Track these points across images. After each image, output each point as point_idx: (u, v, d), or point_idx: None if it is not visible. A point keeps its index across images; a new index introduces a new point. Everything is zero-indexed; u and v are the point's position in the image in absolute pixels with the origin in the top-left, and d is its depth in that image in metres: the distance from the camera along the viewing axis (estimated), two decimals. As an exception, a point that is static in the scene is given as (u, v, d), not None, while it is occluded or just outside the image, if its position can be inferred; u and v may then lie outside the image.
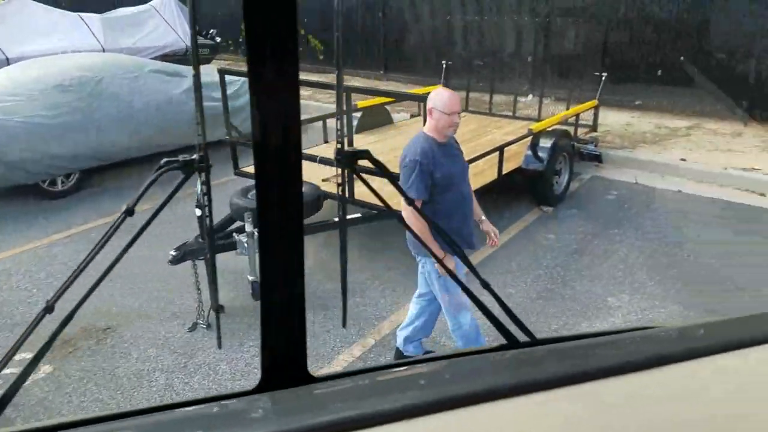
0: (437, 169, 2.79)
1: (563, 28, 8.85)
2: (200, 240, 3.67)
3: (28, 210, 5.52)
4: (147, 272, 4.16)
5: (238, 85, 6.78)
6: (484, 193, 4.68)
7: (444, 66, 7.57)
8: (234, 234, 3.81)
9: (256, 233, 3.72)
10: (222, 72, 4.83)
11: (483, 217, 3.10)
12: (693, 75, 7.95)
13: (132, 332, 3.62)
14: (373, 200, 4.32)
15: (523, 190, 5.40)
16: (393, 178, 1.01)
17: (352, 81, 11.25)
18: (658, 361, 0.62)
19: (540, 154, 5.15)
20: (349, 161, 0.93)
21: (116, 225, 0.81)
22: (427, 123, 2.89)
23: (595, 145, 6.19)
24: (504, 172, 4.92)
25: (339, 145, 0.92)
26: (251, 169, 5.09)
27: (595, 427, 0.56)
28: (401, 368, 0.68)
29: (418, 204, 2.80)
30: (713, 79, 7.91)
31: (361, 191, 4.51)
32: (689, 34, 7.97)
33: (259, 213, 0.61)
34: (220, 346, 3.59)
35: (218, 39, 11.17)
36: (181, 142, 5.87)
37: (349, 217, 4.23)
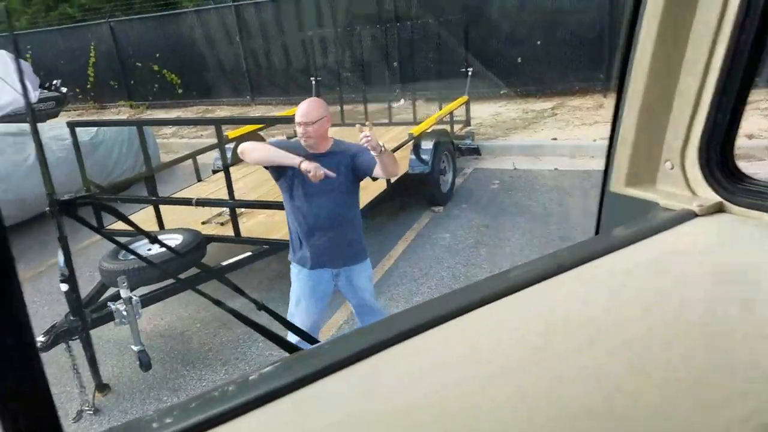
0: (281, 168, 2.71)
1: (424, 30, 9.08)
2: (71, 318, 3.23)
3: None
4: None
5: (91, 135, 6.23)
6: (375, 205, 4.60)
7: (313, 82, 7.45)
8: (109, 303, 3.39)
9: (135, 298, 3.34)
10: (72, 125, 4.37)
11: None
12: (551, 58, 8.48)
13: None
14: (264, 234, 4.09)
15: (412, 194, 5.39)
16: (125, 217, 1.01)
17: (219, 111, 10.84)
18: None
19: (423, 156, 5.16)
20: (63, 209, 0.88)
21: None
22: None
23: (472, 139, 6.35)
24: (392, 180, 4.87)
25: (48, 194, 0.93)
26: (119, 226, 4.63)
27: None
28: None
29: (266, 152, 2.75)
30: (567, 60, 8.49)
31: (248, 227, 4.24)
32: (543, 21, 8.47)
33: None
34: None
35: (64, 89, 10.24)
36: (35, 212, 5.26)
37: (237, 258, 3.95)
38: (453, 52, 8.79)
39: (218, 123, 4.28)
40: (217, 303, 1.09)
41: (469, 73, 6.77)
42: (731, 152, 0.89)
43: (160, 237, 3.99)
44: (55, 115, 9.49)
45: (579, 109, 7.97)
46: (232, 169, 5.63)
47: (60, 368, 3.47)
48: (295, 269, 2.91)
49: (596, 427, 0.52)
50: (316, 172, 2.57)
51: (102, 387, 3.33)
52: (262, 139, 6.38)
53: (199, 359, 3.55)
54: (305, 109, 2.66)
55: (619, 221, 0.95)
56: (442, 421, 0.53)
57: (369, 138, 2.44)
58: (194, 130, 9.06)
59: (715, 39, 0.81)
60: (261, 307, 1.18)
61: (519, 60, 8.78)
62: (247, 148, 2.74)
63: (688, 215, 0.86)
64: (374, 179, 2.94)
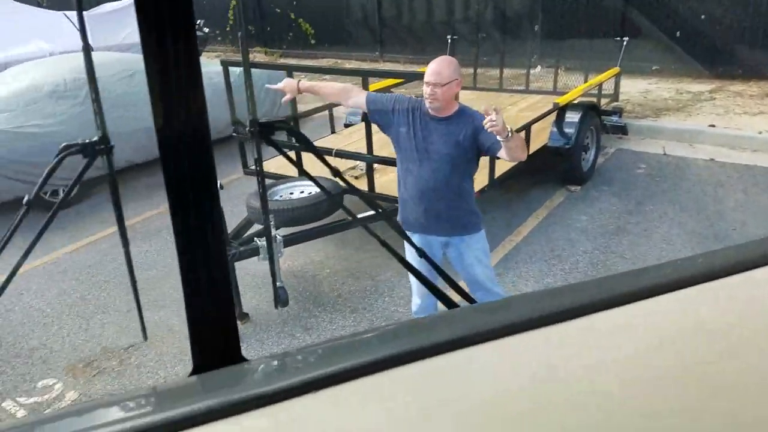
0: (390, 128, 2.67)
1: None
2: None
3: (30, 224, 5.25)
4: (166, 284, 3.93)
5: (234, 77, 6.48)
6: (507, 177, 4.42)
7: (449, 41, 7.22)
8: (255, 239, 3.57)
9: (279, 237, 3.48)
10: (225, 63, 4.54)
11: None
12: (714, 36, 7.62)
13: (156, 349, 3.40)
14: (396, 192, 4.09)
15: (547, 169, 5.12)
16: (315, 149, 1.00)
17: (347, 65, 10.91)
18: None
19: (567, 129, 4.86)
20: (263, 132, 0.89)
21: (19, 218, 0.83)
22: None
23: (620, 116, 5.88)
24: (530, 152, 4.64)
25: (251, 116, 0.88)
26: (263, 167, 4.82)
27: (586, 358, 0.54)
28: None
29: (362, 97, 2.80)
30: (734, 40, 7.59)
31: (380, 183, 4.25)
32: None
33: (169, 187, 0.58)
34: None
35: (206, 30, 10.78)
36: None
37: (367, 213, 3.97)
38: (603, 18, 8.14)
39: (365, 75, 4.26)
40: (384, 244, 1.10)
41: (624, 43, 6.21)
42: None
43: (296, 184, 4.13)
44: (199, 54, 10.06)
45: (740, 95, 7.13)
46: (363, 125, 5.71)
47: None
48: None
49: None
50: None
51: (242, 315, 3.54)
52: (396, 96, 6.36)
53: (330, 303, 3.67)
54: (436, 68, 2.49)
55: None
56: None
57: (494, 123, 2.24)
58: (325, 82, 9.25)
59: None
60: (422, 255, 1.25)
61: (678, 34, 7.96)
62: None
63: None
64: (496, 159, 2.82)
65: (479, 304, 1.07)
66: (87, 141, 0.81)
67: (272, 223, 3.35)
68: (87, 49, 0.82)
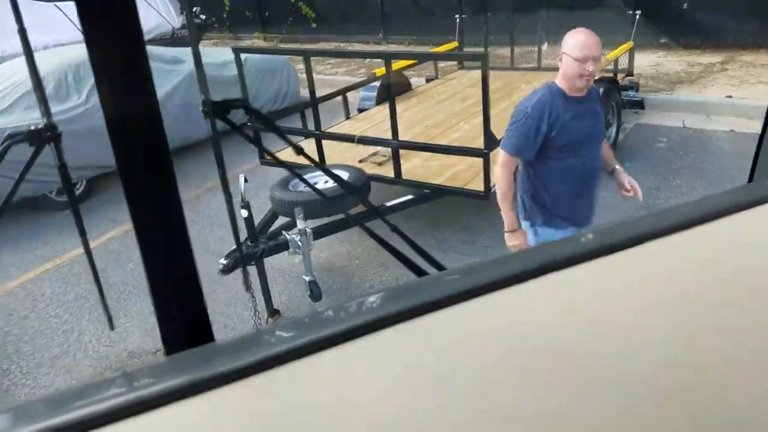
0: (555, 127, 2.29)
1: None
2: (249, 244, 3.29)
3: (38, 225, 5.09)
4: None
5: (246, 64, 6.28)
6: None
7: (458, 20, 7.03)
8: (284, 232, 3.43)
9: (309, 230, 3.34)
10: (237, 50, 4.36)
11: (617, 166, 2.58)
12: (722, 6, 7.46)
13: (184, 352, 3.27)
14: (424, 178, 3.95)
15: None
16: (277, 128, 0.99)
17: (349, 48, 10.68)
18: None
19: (589, 106, 4.73)
20: (218, 111, 0.86)
21: None
22: (559, 71, 2.37)
23: (636, 90, 5.76)
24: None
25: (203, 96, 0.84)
26: (280, 155, 4.66)
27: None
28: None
29: (509, 160, 2.43)
30: (743, 9, 7.44)
31: (404, 169, 4.11)
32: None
33: (124, 176, 0.58)
34: None
35: (203, 17, 10.52)
36: (194, 135, 5.43)
37: (399, 200, 3.84)
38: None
39: (387, 57, 4.10)
40: (381, 242, 1.14)
41: (637, 17, 6.07)
42: None
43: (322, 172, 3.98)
44: (196, 43, 9.79)
45: (753, 65, 7.01)
46: (377, 109, 5.55)
47: (232, 293, 3.60)
48: (544, 234, 2.58)
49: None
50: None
51: (273, 312, 3.42)
52: (406, 80, 6.18)
53: (362, 295, 3.54)
54: (591, 40, 2.23)
55: None
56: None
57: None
58: (330, 66, 9.01)
59: None
60: (393, 229, 1.28)
61: (685, 6, 7.80)
62: (498, 172, 2.52)
63: None
64: None
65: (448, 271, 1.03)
66: (32, 128, 0.79)
67: (301, 215, 3.22)
68: (23, 32, 0.77)
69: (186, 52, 6.91)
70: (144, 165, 0.58)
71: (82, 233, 0.88)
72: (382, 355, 0.51)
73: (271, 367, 0.47)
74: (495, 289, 0.54)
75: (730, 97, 5.95)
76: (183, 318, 0.62)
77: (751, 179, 0.99)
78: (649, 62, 7.42)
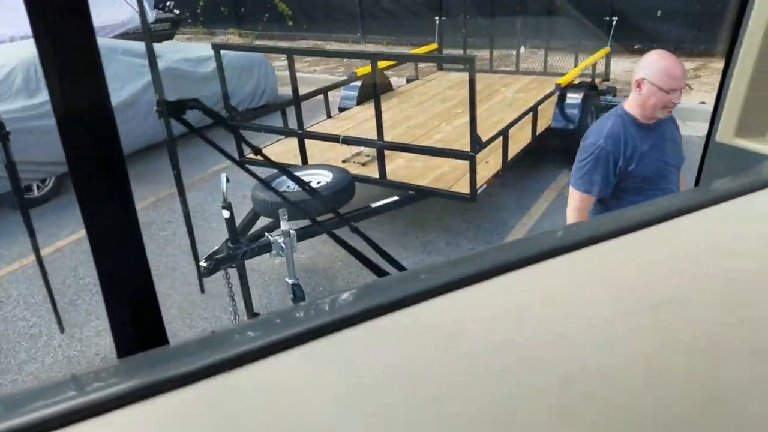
0: (633, 160, 2.10)
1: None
2: (230, 245, 3.20)
3: (4, 223, 4.87)
4: (169, 287, 3.68)
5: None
6: (517, 160, 4.30)
7: (437, 22, 7.02)
8: (266, 234, 3.34)
9: (292, 232, 3.27)
10: (217, 47, 4.25)
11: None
12: (695, 14, 7.65)
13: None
14: (409, 180, 3.91)
15: (551, 151, 5.03)
16: (233, 127, 1.02)
17: (327, 47, 10.60)
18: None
19: (569, 111, 4.77)
20: (172, 111, 0.88)
21: None
22: (630, 96, 2.17)
23: (613, 95, 5.83)
24: (537, 133, 4.54)
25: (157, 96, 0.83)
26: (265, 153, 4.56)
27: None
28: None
29: (585, 200, 2.20)
30: (712, 18, 7.63)
31: (392, 169, 4.06)
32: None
33: (75, 176, 0.58)
34: None
35: (177, 11, 10.28)
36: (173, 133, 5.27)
37: (384, 201, 3.79)
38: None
39: (374, 58, 4.04)
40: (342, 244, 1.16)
41: (614, 23, 6.15)
42: None
43: (306, 172, 3.91)
44: (170, 37, 9.58)
45: (723, 72, 7.20)
46: (359, 108, 5.49)
47: (211, 296, 3.50)
48: None
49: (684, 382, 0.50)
50: None
51: (253, 315, 3.33)
52: (388, 80, 6.14)
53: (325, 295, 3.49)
54: (681, 70, 2.06)
55: (724, 173, 0.87)
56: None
57: None
58: (307, 64, 8.91)
59: None
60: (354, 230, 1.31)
61: (658, 14, 7.97)
62: (574, 214, 2.29)
63: None
64: None
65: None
66: None
67: (285, 216, 3.14)
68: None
69: (161, 48, 6.73)
70: (96, 166, 0.57)
71: (32, 234, 0.88)
72: (345, 355, 0.50)
73: (224, 371, 0.46)
74: (464, 285, 0.56)
75: (704, 103, 6.08)
76: (136, 321, 0.61)
77: (697, 183, 1.04)
78: (623, 68, 7.55)
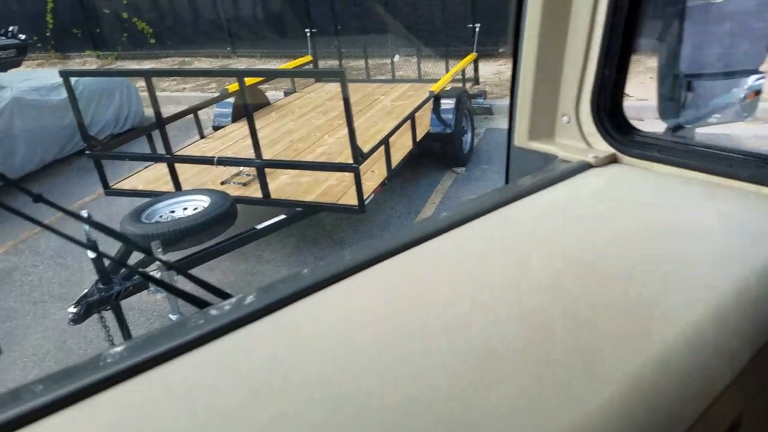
0: None
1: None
2: (101, 286, 2.88)
3: None
4: (37, 343, 3.25)
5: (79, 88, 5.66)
6: (402, 167, 4.35)
7: (308, 34, 6.97)
8: (139, 270, 3.05)
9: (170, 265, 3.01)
10: (65, 74, 3.87)
11: None
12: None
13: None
14: (296, 196, 3.79)
15: (431, 155, 5.15)
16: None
17: (197, 63, 10.17)
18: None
19: (444, 115, 4.92)
20: None
21: None
22: None
23: (484, 98, 6.13)
24: (417, 139, 4.62)
25: None
26: (127, 184, 4.21)
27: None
28: None
29: None
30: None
31: (276, 187, 3.92)
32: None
33: None
34: None
35: (23, 36, 9.31)
36: (22, 167, 4.74)
37: (271, 222, 3.64)
38: (454, 6, 8.44)
39: (241, 75, 3.88)
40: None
41: (477, 29, 6.47)
42: (621, 107, 0.96)
43: (181, 199, 3.66)
44: (18, 65, 8.65)
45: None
46: (235, 126, 5.28)
47: (87, 342, 3.15)
48: None
49: (508, 363, 0.54)
50: None
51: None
52: (263, 94, 5.97)
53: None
54: None
55: (524, 173, 0.98)
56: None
57: None
58: (175, 83, 8.44)
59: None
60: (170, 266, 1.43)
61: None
62: None
63: (585, 166, 0.93)
64: None
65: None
66: None
67: (160, 249, 2.89)
68: None
69: (6, 77, 6.04)
70: None
71: None
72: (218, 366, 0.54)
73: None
74: (326, 285, 0.62)
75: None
76: None
77: (507, 181, 1.14)
78: (491, 71, 7.97)
